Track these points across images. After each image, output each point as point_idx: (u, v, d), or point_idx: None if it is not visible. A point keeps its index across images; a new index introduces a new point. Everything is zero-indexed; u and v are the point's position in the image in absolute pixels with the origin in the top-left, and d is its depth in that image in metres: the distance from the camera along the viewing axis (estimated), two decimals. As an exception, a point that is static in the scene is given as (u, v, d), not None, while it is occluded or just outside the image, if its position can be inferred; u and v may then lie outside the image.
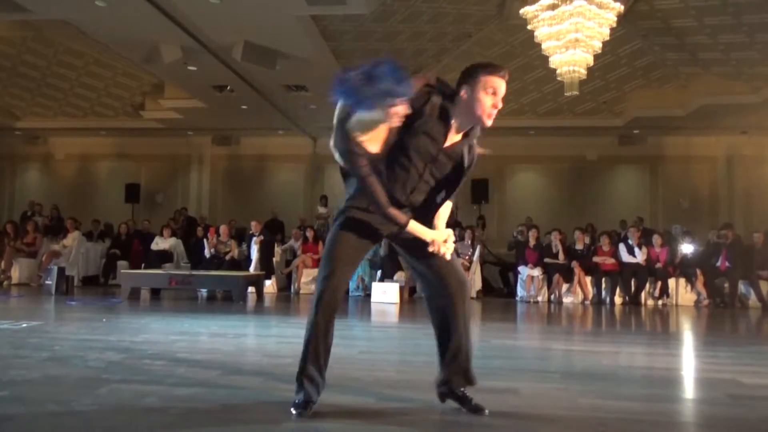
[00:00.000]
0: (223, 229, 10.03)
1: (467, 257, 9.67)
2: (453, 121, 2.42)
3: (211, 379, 3.21)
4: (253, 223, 10.30)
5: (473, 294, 9.62)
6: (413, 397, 2.90)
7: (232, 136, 15.15)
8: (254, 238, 9.90)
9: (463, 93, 2.39)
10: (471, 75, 2.40)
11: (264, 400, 2.79)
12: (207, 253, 9.76)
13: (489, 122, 2.40)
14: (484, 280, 10.16)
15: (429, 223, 2.51)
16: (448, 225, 2.63)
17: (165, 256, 10.20)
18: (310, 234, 10.26)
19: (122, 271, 9.27)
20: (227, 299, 8.23)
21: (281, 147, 15.17)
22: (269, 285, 9.64)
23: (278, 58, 9.45)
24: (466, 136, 2.47)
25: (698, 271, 9.27)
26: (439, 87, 2.44)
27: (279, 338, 4.98)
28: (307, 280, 9.79)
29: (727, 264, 9.35)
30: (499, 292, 10.64)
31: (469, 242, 9.84)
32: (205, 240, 10.03)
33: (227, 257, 9.65)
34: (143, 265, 10.17)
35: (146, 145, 15.08)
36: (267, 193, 15.05)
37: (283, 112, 12.85)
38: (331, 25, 8.93)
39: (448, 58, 10.88)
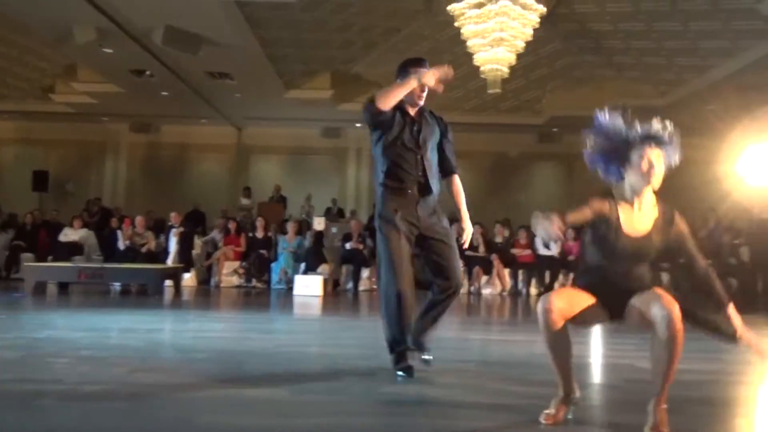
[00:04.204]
0: (139, 220, 9.61)
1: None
2: (401, 104, 3.13)
3: (118, 376, 3.06)
4: (172, 215, 9.93)
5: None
6: (329, 389, 2.89)
7: (152, 123, 14.54)
8: (173, 230, 9.55)
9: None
10: (402, 70, 3.16)
11: (175, 396, 2.69)
12: (121, 245, 9.32)
13: (420, 103, 3.18)
14: (408, 272, 10.27)
15: (431, 180, 3.18)
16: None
17: (75, 249, 9.65)
18: (232, 226, 10.02)
19: (26, 263, 8.69)
20: (142, 293, 7.89)
21: (204, 136, 14.71)
22: (188, 278, 9.33)
23: (201, 44, 9.12)
24: (420, 111, 3.20)
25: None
26: None
27: (195, 333, 4.83)
28: (229, 272, 9.56)
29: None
30: (423, 284, 10.79)
31: (394, 235, 9.91)
32: (119, 231, 9.58)
33: (143, 249, 9.26)
34: (50, 257, 9.57)
35: (56, 131, 14.20)
36: (188, 183, 14.56)
37: (207, 100, 12.46)
38: (257, 12, 8.70)
39: (377, 52, 10.88)
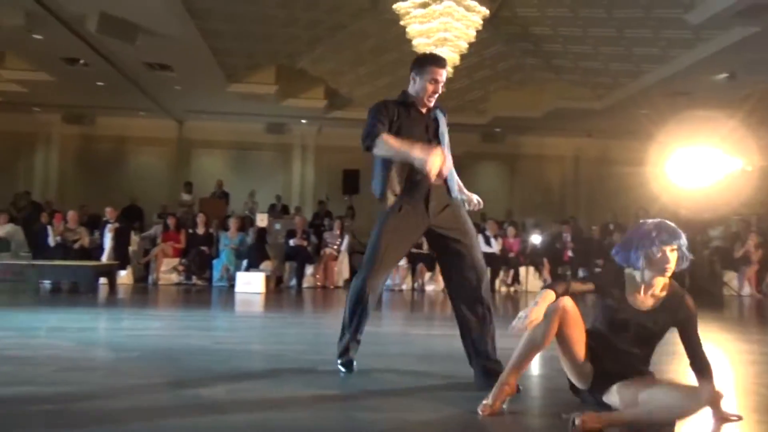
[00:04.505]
0: (71, 215, 9.20)
1: (336, 247, 9.72)
2: (413, 101, 3.05)
3: (44, 377, 2.92)
4: (107, 210, 9.56)
5: (340, 283, 9.71)
6: (268, 385, 2.85)
7: (86, 114, 13.95)
8: (108, 226, 9.19)
9: (412, 78, 3.05)
10: (419, 66, 3.03)
11: (105, 395, 2.59)
12: (52, 241, 8.90)
13: (430, 104, 3.06)
14: (352, 269, 10.26)
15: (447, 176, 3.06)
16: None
17: (0, 245, 9.14)
18: (171, 222, 9.73)
19: (-54, 260, 8.16)
20: (74, 292, 7.56)
21: (143, 129, 14.23)
22: (124, 276, 9.02)
23: (139, 33, 8.81)
24: (430, 109, 3.07)
25: (545, 260, 10.11)
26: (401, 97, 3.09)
27: (130, 331, 4.67)
28: (168, 269, 9.28)
29: (570, 254, 10.29)
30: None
31: (338, 232, 9.89)
32: (49, 227, 9.13)
33: (76, 246, 8.87)
34: (-27, 254, 9.03)
35: (-19, 120, 13.42)
36: (126, 177, 14.06)
37: (145, 92, 12.05)
38: (198, 2, 8.48)
39: (322, 48, 10.82)
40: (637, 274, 2.45)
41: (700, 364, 2.43)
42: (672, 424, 2.28)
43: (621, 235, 10.37)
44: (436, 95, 3.04)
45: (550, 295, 2.40)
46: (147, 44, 9.07)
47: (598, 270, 10.04)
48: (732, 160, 11.20)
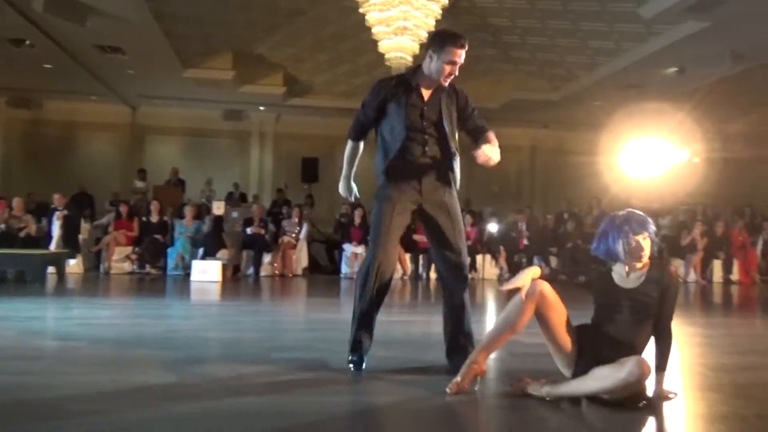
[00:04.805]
0: (16, 202, 8.85)
1: (294, 235, 9.65)
2: (419, 83, 2.91)
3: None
4: (55, 197, 9.23)
5: (299, 272, 9.65)
6: (222, 373, 2.82)
7: (33, 98, 13.39)
8: (57, 213, 8.88)
9: (429, 56, 2.87)
10: (438, 44, 2.85)
11: (48, 382, 2.51)
12: (-5, 229, 8.54)
13: (446, 84, 2.90)
14: (311, 257, 10.21)
15: (449, 152, 2.97)
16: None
17: (-59, 233, 8.72)
18: (124, 209, 9.47)
19: None
20: (21, 281, 7.29)
21: (94, 114, 13.76)
22: (74, 264, 8.73)
23: (88, 14, 8.49)
24: (437, 90, 2.92)
25: (501, 248, 10.28)
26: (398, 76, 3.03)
27: (78, 320, 4.52)
28: (120, 258, 9.04)
29: (525, 242, 10.49)
30: (325, 269, 10.79)
31: (297, 220, 9.82)
32: (-7, 214, 8.76)
33: (22, 234, 8.55)
34: None
35: None
36: (76, 164, 13.58)
37: (96, 76, 11.64)
38: (152, -17, 8.23)
39: (281, 34, 10.65)
40: (620, 266, 2.54)
41: (663, 335, 2.50)
42: (618, 404, 2.35)
43: (574, 224, 10.68)
44: (453, 76, 2.88)
45: (535, 270, 2.54)
46: (98, 26, 8.76)
47: (551, 256, 10.31)
48: (679, 152, 11.60)
